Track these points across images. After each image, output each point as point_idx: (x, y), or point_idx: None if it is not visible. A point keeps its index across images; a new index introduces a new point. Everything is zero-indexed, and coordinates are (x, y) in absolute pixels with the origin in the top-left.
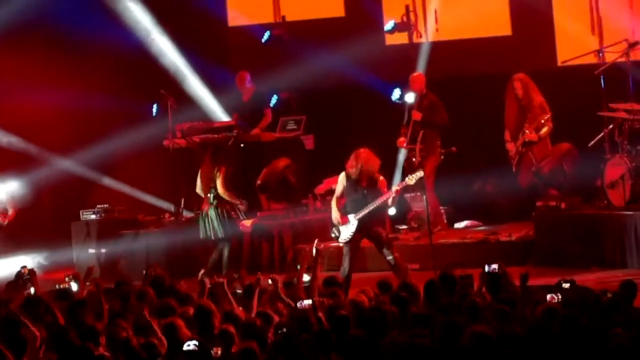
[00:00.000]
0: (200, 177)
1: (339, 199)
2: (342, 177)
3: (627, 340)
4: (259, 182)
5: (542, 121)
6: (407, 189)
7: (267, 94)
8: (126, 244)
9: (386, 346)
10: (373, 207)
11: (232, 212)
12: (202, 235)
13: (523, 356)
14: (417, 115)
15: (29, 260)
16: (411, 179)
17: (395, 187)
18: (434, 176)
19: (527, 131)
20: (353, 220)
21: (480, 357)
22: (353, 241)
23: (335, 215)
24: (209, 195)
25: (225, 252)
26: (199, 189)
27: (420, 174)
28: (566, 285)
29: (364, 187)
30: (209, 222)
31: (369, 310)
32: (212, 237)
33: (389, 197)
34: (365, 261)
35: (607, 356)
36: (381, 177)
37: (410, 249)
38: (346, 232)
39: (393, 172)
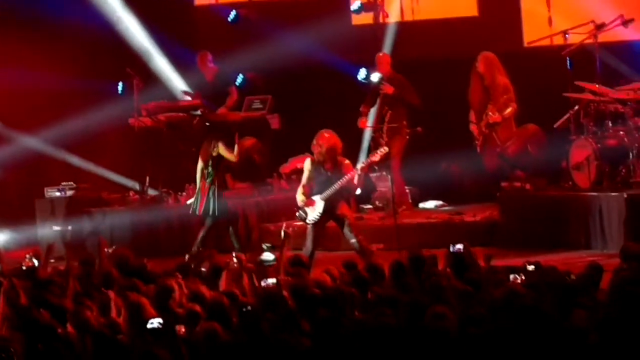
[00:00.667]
0: (200, 155)
1: (305, 186)
2: (307, 163)
3: (586, 321)
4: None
5: (503, 102)
6: (373, 169)
7: (232, 73)
8: (91, 222)
9: (350, 325)
10: (338, 186)
11: (224, 191)
12: (197, 211)
13: (484, 336)
14: (389, 89)
15: None
16: (376, 155)
17: (360, 165)
18: (401, 156)
19: (490, 113)
20: (319, 202)
21: (441, 337)
22: (319, 222)
23: (300, 197)
24: (205, 171)
25: (231, 230)
26: (199, 168)
27: (384, 149)
28: (531, 267)
29: (328, 169)
30: (209, 199)
31: (331, 290)
32: (207, 213)
33: (354, 176)
34: (339, 241)
35: (566, 337)
36: (346, 161)
37: (375, 229)
38: (313, 213)
39: (358, 152)
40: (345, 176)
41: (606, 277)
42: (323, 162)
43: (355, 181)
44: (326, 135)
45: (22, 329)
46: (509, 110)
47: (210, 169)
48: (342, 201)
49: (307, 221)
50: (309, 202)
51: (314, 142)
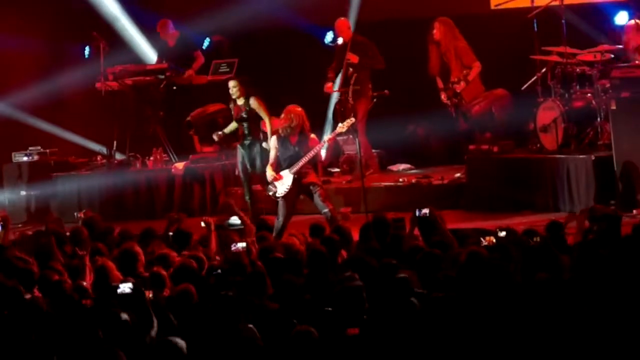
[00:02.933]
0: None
1: (273, 162)
2: (273, 140)
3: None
4: (188, 118)
5: (462, 66)
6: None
7: (195, 37)
8: (58, 186)
9: (319, 288)
10: (306, 160)
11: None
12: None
13: (452, 299)
14: (354, 58)
15: None
16: (343, 127)
17: (327, 137)
18: (366, 119)
19: (454, 81)
20: (288, 175)
21: (404, 300)
22: (289, 196)
23: (269, 173)
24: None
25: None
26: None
27: (351, 120)
28: (502, 233)
29: (294, 143)
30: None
31: (299, 253)
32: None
33: (321, 148)
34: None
35: (528, 299)
36: (312, 135)
37: (343, 192)
38: (282, 187)
39: (324, 117)
40: (313, 149)
41: (571, 239)
42: (289, 136)
43: (323, 154)
44: (297, 109)
45: None
46: (472, 74)
47: (245, 125)
48: (309, 170)
49: (277, 195)
50: (278, 177)
51: (282, 115)
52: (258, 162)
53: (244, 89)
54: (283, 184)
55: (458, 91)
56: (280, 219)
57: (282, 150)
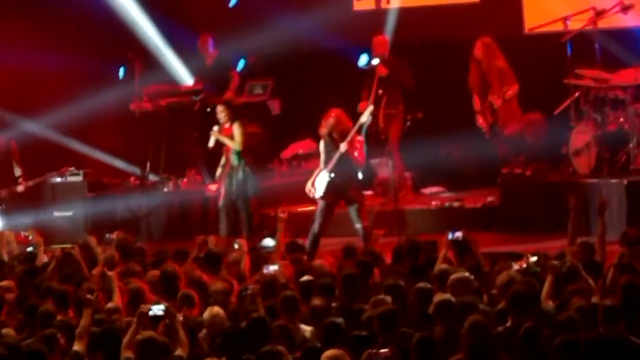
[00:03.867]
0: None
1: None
2: (321, 144)
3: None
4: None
5: (501, 86)
6: (373, 153)
7: (232, 57)
8: (92, 206)
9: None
10: (337, 156)
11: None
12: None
13: (485, 325)
14: (382, 70)
15: None
16: (364, 116)
17: (353, 131)
18: (400, 141)
19: (492, 100)
20: (324, 175)
21: (446, 324)
22: (327, 199)
23: (310, 182)
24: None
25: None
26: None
27: (370, 108)
28: (533, 259)
29: (335, 144)
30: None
31: (335, 276)
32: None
33: (350, 143)
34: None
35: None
36: (359, 137)
37: (376, 215)
38: (320, 186)
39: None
40: (341, 145)
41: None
42: (331, 137)
43: (356, 152)
44: (335, 111)
45: (22, 312)
46: (509, 92)
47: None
48: (352, 183)
49: (317, 196)
50: (318, 178)
51: (322, 121)
52: (249, 186)
53: (232, 113)
54: (321, 183)
55: (495, 107)
56: (316, 225)
57: (327, 153)
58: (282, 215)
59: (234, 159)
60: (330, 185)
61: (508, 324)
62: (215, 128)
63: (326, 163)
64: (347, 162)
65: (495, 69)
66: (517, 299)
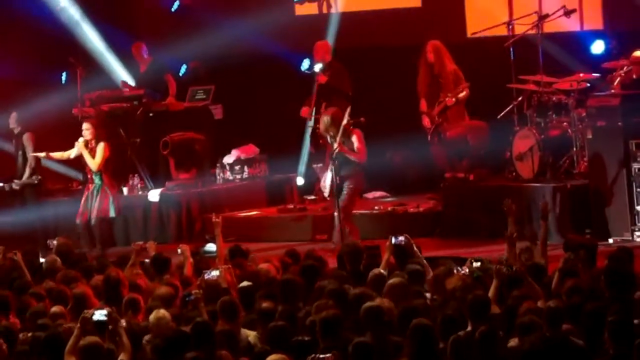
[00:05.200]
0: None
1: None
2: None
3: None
4: (166, 138)
5: (461, 88)
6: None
7: (168, 62)
8: (33, 212)
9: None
10: (334, 155)
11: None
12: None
13: (426, 329)
14: (322, 78)
15: None
16: (345, 118)
17: (340, 130)
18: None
19: (446, 99)
20: (329, 174)
21: (376, 329)
22: (334, 192)
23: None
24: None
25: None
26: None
27: (348, 110)
28: (476, 264)
29: (337, 143)
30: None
31: (278, 281)
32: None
33: (339, 136)
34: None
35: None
36: (355, 134)
37: (318, 220)
38: (326, 185)
39: (301, 141)
40: (334, 146)
41: (551, 267)
42: (330, 137)
43: (359, 150)
44: (330, 111)
45: None
46: (463, 93)
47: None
48: (350, 174)
49: (326, 194)
50: (326, 177)
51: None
52: (109, 208)
53: (98, 132)
54: (327, 181)
55: (449, 105)
56: (336, 220)
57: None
58: (216, 220)
59: (93, 179)
60: (332, 183)
61: (468, 328)
62: (81, 140)
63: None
64: (344, 160)
65: (448, 70)
66: (476, 304)
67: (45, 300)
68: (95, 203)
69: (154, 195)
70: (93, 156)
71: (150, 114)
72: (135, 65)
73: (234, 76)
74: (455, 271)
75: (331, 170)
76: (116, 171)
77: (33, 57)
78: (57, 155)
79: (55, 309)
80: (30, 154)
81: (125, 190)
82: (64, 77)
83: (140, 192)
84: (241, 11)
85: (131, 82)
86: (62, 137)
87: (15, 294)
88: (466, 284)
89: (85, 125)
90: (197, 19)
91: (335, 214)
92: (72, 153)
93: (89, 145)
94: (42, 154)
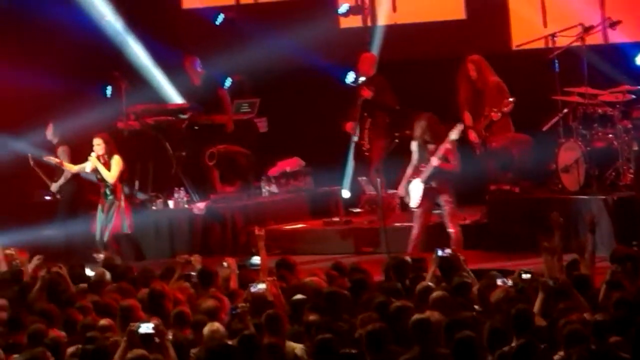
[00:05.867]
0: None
1: (413, 167)
2: (413, 145)
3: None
4: (212, 149)
5: (506, 103)
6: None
7: (218, 76)
8: (80, 225)
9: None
10: (431, 166)
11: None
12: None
13: (471, 341)
14: (366, 93)
15: None
16: (454, 133)
17: (445, 146)
18: (382, 159)
19: (492, 114)
20: (418, 184)
21: (424, 342)
22: (422, 206)
23: (404, 183)
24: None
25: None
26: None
27: (460, 126)
28: (526, 276)
29: (428, 151)
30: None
31: (326, 294)
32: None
33: (441, 152)
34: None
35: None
36: (449, 144)
37: (364, 232)
38: (414, 197)
39: (346, 154)
40: (435, 156)
41: (597, 279)
42: (423, 143)
43: (453, 162)
44: (425, 115)
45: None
46: (508, 107)
47: None
48: (445, 188)
49: (411, 205)
50: (411, 186)
51: (414, 124)
52: (121, 224)
53: (110, 148)
54: (415, 194)
55: (494, 120)
56: (415, 230)
57: (419, 158)
58: (259, 232)
59: (106, 194)
60: (425, 193)
61: (513, 343)
62: (93, 155)
63: (417, 166)
64: (440, 171)
65: (492, 84)
66: (520, 317)
67: (91, 313)
68: (108, 219)
69: (199, 208)
70: (108, 170)
71: (195, 127)
72: (180, 78)
73: (278, 89)
74: (499, 283)
75: (423, 182)
76: (161, 184)
77: (77, 70)
78: (69, 165)
79: (103, 321)
80: (66, 167)
81: (170, 203)
82: (108, 91)
83: (185, 205)
84: (285, 24)
85: (178, 95)
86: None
87: (61, 307)
88: (510, 296)
89: (97, 141)
90: (241, 32)
91: (415, 225)
92: (86, 167)
93: (102, 159)
94: (56, 160)
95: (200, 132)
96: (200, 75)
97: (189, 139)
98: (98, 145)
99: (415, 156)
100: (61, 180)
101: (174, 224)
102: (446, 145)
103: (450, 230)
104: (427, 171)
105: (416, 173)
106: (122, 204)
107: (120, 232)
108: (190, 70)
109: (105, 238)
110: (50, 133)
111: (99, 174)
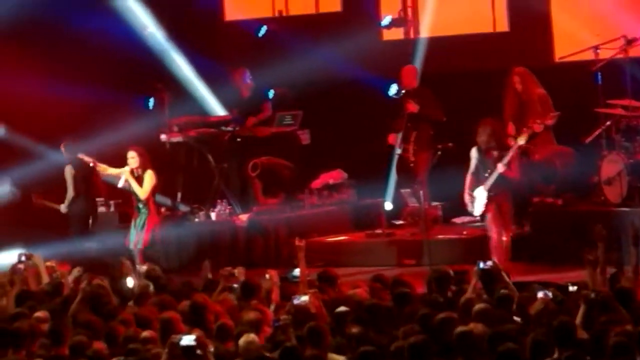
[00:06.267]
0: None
1: (472, 174)
2: (473, 151)
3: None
4: (255, 160)
5: (550, 116)
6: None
7: (262, 88)
8: (120, 238)
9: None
10: (496, 174)
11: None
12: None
13: (514, 354)
14: (412, 107)
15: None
16: (522, 139)
17: (511, 152)
18: (428, 172)
19: (534, 125)
20: (482, 192)
21: (467, 354)
22: (489, 213)
23: (466, 190)
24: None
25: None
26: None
27: (526, 136)
28: (573, 288)
29: (490, 157)
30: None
31: (368, 306)
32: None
33: (509, 158)
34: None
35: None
36: (511, 151)
37: (406, 245)
38: (477, 205)
39: (388, 167)
40: (500, 163)
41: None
42: (486, 149)
43: (514, 170)
44: (490, 121)
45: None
46: (550, 119)
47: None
48: (504, 195)
49: (475, 214)
50: (474, 194)
51: (478, 130)
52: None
53: (144, 161)
54: (478, 202)
55: (536, 131)
56: (494, 235)
57: (481, 166)
58: (299, 244)
59: (139, 208)
60: (490, 200)
61: (555, 355)
62: (127, 168)
63: (477, 174)
64: (502, 179)
65: (536, 96)
66: (562, 329)
67: (132, 325)
68: (139, 233)
69: (242, 220)
70: (140, 184)
71: (238, 139)
72: (224, 91)
73: (320, 101)
74: (540, 295)
75: (487, 189)
76: (203, 196)
77: (120, 82)
78: (103, 166)
79: (145, 333)
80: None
81: (212, 215)
82: (151, 103)
83: (227, 218)
84: (328, 36)
85: (221, 107)
86: (150, 163)
87: (102, 319)
88: (550, 309)
89: (131, 154)
90: (284, 44)
91: (491, 234)
92: (120, 182)
93: (135, 173)
94: (90, 160)
95: (243, 144)
96: (249, 87)
97: (232, 151)
98: (132, 158)
99: (474, 162)
100: (67, 201)
101: (216, 237)
102: (515, 151)
103: (503, 238)
104: (491, 178)
105: (478, 180)
106: (153, 219)
107: (149, 246)
108: (239, 82)
109: (135, 252)
110: (63, 151)
111: (131, 187)
